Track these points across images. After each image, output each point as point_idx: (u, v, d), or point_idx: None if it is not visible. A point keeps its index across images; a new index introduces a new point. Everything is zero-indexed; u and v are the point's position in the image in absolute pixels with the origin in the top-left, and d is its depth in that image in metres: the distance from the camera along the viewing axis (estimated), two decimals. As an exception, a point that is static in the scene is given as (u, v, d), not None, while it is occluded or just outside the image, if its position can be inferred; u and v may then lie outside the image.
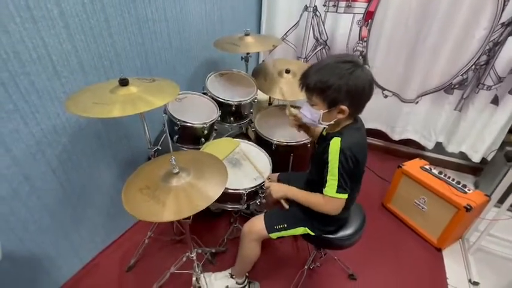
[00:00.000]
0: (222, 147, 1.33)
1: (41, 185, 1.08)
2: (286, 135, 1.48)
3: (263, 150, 1.38)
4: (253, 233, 1.11)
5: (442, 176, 1.58)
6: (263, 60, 2.34)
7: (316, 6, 2.02)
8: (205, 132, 1.34)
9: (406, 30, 1.82)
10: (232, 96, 1.47)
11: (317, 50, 2.20)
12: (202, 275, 1.22)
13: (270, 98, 1.86)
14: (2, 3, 0.82)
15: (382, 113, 2.15)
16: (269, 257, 1.46)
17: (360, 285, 1.39)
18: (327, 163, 0.90)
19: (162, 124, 1.41)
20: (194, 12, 1.58)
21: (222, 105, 1.43)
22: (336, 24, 2.01)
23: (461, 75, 1.83)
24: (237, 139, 1.41)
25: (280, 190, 1.07)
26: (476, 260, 1.52)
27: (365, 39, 1.99)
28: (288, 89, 1.60)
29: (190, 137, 1.34)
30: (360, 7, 1.90)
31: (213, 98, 1.44)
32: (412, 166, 1.67)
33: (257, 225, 1.11)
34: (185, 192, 0.85)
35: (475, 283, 1.41)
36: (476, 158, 1.94)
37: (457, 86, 1.87)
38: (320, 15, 2.05)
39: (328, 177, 0.90)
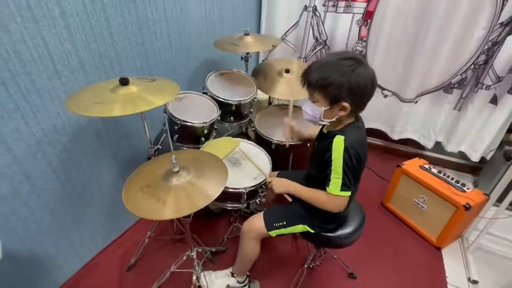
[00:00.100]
0: (222, 147, 1.34)
1: (41, 184, 1.09)
2: (282, 134, 1.48)
3: (263, 149, 1.38)
4: (252, 231, 1.12)
5: (441, 175, 1.58)
6: (263, 60, 2.35)
7: (315, 6, 2.03)
8: (205, 131, 1.35)
9: (405, 30, 1.83)
10: (232, 95, 1.48)
11: (317, 49, 2.21)
12: (202, 273, 1.22)
13: (269, 97, 1.87)
14: (3, 2, 0.82)
15: (381, 113, 2.16)
16: (269, 256, 1.47)
17: (360, 284, 1.40)
18: (330, 161, 0.90)
19: (162, 123, 1.42)
20: (194, 12, 1.58)
21: (222, 104, 1.44)
22: (335, 24, 2.02)
23: (461, 74, 1.83)
24: (237, 138, 1.42)
25: (282, 185, 1.07)
26: (475, 258, 1.53)
27: (364, 39, 2.00)
28: (288, 89, 1.61)
29: (190, 137, 1.34)
30: (359, 7, 1.91)
31: (213, 98, 1.45)
32: (412, 165, 1.68)
33: (256, 223, 1.11)
34: (185, 191, 0.86)
35: (474, 282, 1.42)
36: (475, 158, 1.95)
37: (456, 86, 1.88)
38: (319, 15, 2.05)
39: (331, 176, 0.90)
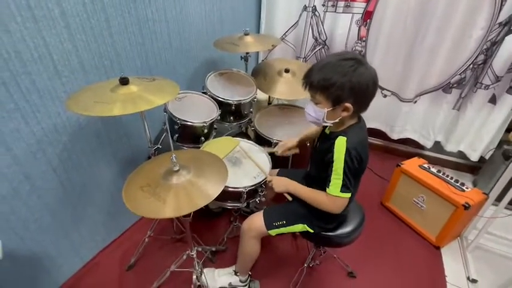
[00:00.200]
0: (222, 146, 1.34)
1: (41, 184, 1.09)
2: (285, 134, 1.48)
3: (263, 149, 1.38)
4: (252, 230, 1.12)
5: (440, 174, 1.59)
6: (262, 60, 2.36)
7: (315, 6, 2.03)
8: (205, 131, 1.35)
9: (404, 30, 1.83)
10: (232, 95, 1.48)
11: (316, 49, 2.21)
12: (204, 270, 1.23)
13: (269, 97, 1.87)
14: (3, 2, 0.82)
15: (381, 113, 2.16)
16: (269, 256, 1.47)
17: (359, 283, 1.40)
18: (331, 162, 0.90)
19: (162, 123, 1.42)
20: (194, 13, 1.58)
21: (221, 104, 1.44)
22: (334, 24, 2.02)
23: (460, 74, 1.84)
24: (237, 138, 1.42)
25: (282, 184, 1.08)
26: (474, 257, 1.53)
27: (364, 39, 2.01)
28: (287, 89, 1.61)
29: (190, 136, 1.34)
30: (359, 7, 1.92)
31: (212, 98, 1.45)
32: (411, 165, 1.68)
33: (256, 222, 1.11)
34: (185, 190, 0.86)
35: (474, 281, 1.42)
36: (474, 157, 1.95)
37: (455, 85, 1.89)
38: (319, 15, 2.06)
39: (332, 177, 0.91)
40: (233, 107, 1.45)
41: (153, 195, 0.83)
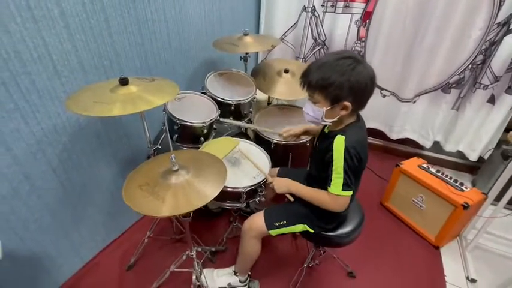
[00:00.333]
0: (222, 147, 1.34)
1: (41, 184, 1.09)
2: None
3: (262, 149, 1.38)
4: (253, 230, 1.12)
5: (439, 174, 1.59)
6: (262, 60, 2.36)
7: (314, 6, 2.04)
8: (205, 131, 1.35)
9: (403, 30, 1.84)
10: (232, 95, 1.48)
11: (315, 50, 2.21)
12: (203, 271, 1.23)
13: (269, 97, 1.87)
14: (3, 3, 0.83)
15: (380, 113, 2.17)
16: (268, 256, 1.47)
17: (359, 283, 1.40)
18: (331, 161, 0.90)
19: (162, 123, 1.42)
20: (193, 13, 1.59)
21: (221, 104, 1.44)
22: (334, 24, 2.03)
23: (458, 74, 1.84)
24: (236, 138, 1.42)
25: (283, 185, 1.07)
26: (473, 257, 1.53)
27: (363, 39, 2.01)
28: (287, 89, 1.61)
29: (189, 136, 1.35)
30: (358, 7, 1.92)
31: (212, 98, 1.45)
32: (410, 165, 1.69)
33: (257, 222, 1.11)
34: (184, 189, 0.86)
35: (473, 280, 1.43)
36: (473, 157, 1.96)
37: (454, 85, 1.89)
38: (318, 15, 2.06)
39: (333, 176, 0.91)
40: (233, 107, 1.46)
41: (152, 194, 0.83)
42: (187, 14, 1.55)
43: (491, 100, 1.79)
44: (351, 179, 0.90)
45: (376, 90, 2.10)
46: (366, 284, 1.40)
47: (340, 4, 1.95)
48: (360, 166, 0.92)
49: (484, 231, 1.48)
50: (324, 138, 1.01)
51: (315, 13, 2.06)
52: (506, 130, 1.82)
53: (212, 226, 1.65)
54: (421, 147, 2.23)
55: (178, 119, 1.27)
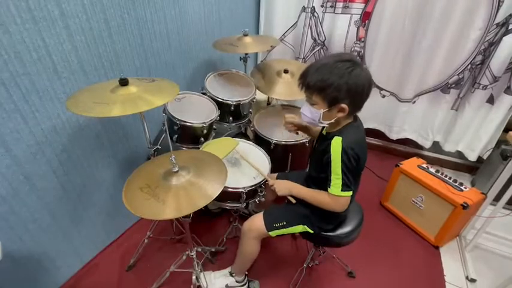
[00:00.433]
0: (222, 147, 1.34)
1: (41, 185, 1.09)
2: (284, 134, 1.49)
3: (262, 149, 1.39)
4: (253, 231, 1.12)
5: (439, 174, 1.59)
6: (261, 61, 2.36)
7: (314, 7, 2.04)
8: (205, 131, 1.35)
9: (402, 30, 1.84)
10: (231, 96, 1.49)
11: (315, 50, 2.22)
12: (202, 273, 1.22)
13: (268, 97, 1.88)
14: (3, 4, 0.83)
15: (379, 113, 2.17)
16: (268, 256, 1.47)
17: (359, 282, 1.40)
18: (329, 162, 0.91)
19: (162, 124, 1.42)
20: (193, 14, 1.59)
21: (221, 105, 1.44)
22: (333, 24, 2.03)
23: (458, 74, 1.85)
24: (236, 138, 1.42)
25: (285, 188, 1.08)
26: (473, 257, 1.54)
27: (362, 39, 2.01)
28: (286, 89, 1.61)
29: (189, 137, 1.35)
30: (357, 8, 1.92)
31: (212, 98, 1.45)
32: (410, 165, 1.69)
33: (257, 223, 1.12)
34: (185, 190, 0.86)
35: (472, 280, 1.43)
36: (472, 157, 1.96)
37: (453, 86, 1.90)
38: (318, 15, 2.06)
39: (332, 177, 0.91)
40: (232, 108, 1.46)
41: (153, 196, 0.83)
42: (187, 15, 1.55)
43: (491, 100, 1.79)
44: (350, 179, 0.91)
45: (376, 91, 2.12)
46: (366, 284, 1.40)
47: (340, 4, 1.95)
48: (358, 166, 0.92)
49: (484, 231, 1.49)
50: (322, 140, 1.02)
51: (315, 13, 2.06)
52: (505, 130, 1.82)
53: (212, 226, 1.65)
54: (421, 147, 2.23)
55: (178, 120, 1.27)
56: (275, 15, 2.19)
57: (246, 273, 1.30)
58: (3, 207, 1.00)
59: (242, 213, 1.63)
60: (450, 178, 1.56)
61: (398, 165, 1.70)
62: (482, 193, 1.48)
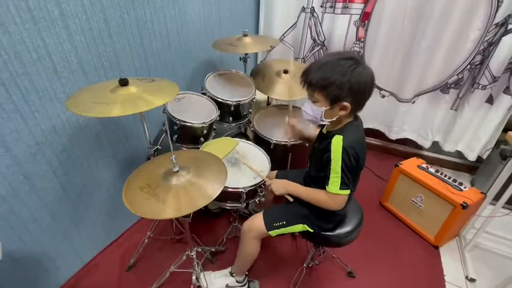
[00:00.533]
0: (221, 147, 1.34)
1: (41, 185, 1.09)
2: (284, 134, 1.49)
3: (262, 149, 1.39)
4: (252, 231, 1.12)
5: (438, 174, 1.60)
6: (261, 61, 2.36)
7: (313, 7, 2.04)
8: (205, 131, 1.35)
9: (402, 30, 1.85)
10: (231, 96, 1.49)
11: (314, 50, 2.22)
12: (202, 273, 1.23)
13: (268, 98, 1.88)
14: (2, 4, 0.83)
15: (379, 113, 2.17)
16: (268, 256, 1.47)
17: (359, 282, 1.40)
18: (329, 161, 0.91)
19: (162, 124, 1.42)
20: (193, 14, 1.59)
21: (220, 105, 1.45)
22: (333, 25, 2.03)
23: (457, 75, 1.85)
24: (236, 138, 1.43)
25: (281, 187, 1.08)
26: (472, 257, 1.54)
27: (362, 39, 2.02)
28: (286, 89, 1.61)
29: (189, 137, 1.35)
30: (357, 8, 1.93)
31: (211, 98, 1.45)
32: (409, 165, 1.69)
33: (256, 222, 1.12)
34: (185, 190, 0.86)
35: (472, 280, 1.43)
36: (472, 157, 1.96)
37: (452, 86, 1.90)
38: (317, 16, 2.07)
39: (331, 175, 0.91)
40: (232, 108, 1.46)
41: (153, 195, 0.83)
42: (187, 15, 1.55)
43: (490, 100, 1.80)
44: (349, 178, 0.91)
45: (375, 91, 2.12)
46: (366, 284, 1.40)
47: (339, 5, 1.96)
48: (357, 165, 0.92)
49: (483, 231, 1.49)
50: (323, 139, 1.02)
51: (314, 14, 2.07)
52: (505, 130, 1.82)
53: (212, 227, 1.65)
54: (420, 147, 2.23)
55: (178, 120, 1.27)
56: (275, 16, 2.20)
57: (247, 273, 1.30)
58: (3, 207, 1.00)
59: (242, 213, 1.63)
60: (450, 178, 1.57)
61: (398, 165, 1.70)
62: (482, 193, 1.48)
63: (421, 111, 2.07)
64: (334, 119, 0.92)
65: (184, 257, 1.24)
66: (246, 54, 1.73)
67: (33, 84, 0.96)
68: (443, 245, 1.61)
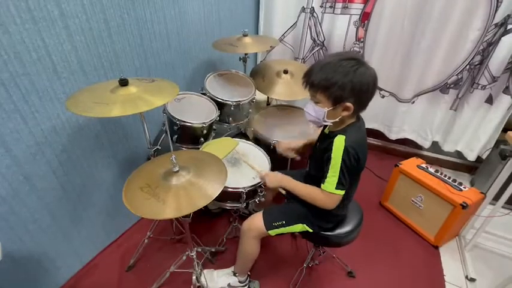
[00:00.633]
0: (221, 147, 1.34)
1: (41, 185, 1.09)
2: (284, 134, 1.49)
3: (262, 149, 1.39)
4: (252, 230, 1.12)
5: (438, 174, 1.60)
6: (261, 61, 2.36)
7: (313, 7, 2.05)
8: (205, 132, 1.35)
9: (401, 30, 1.85)
10: (231, 96, 1.49)
11: (314, 50, 2.22)
12: (203, 271, 1.23)
13: (268, 98, 1.88)
14: (2, 4, 0.83)
15: (379, 113, 2.18)
16: (268, 256, 1.47)
17: (359, 282, 1.41)
18: (329, 159, 0.91)
19: (162, 124, 1.42)
20: (193, 14, 1.59)
21: (220, 105, 1.45)
22: (332, 25, 2.04)
23: (456, 75, 1.85)
24: (236, 139, 1.43)
25: (275, 180, 1.08)
26: (472, 256, 1.54)
27: (362, 39, 2.02)
28: (286, 89, 1.62)
29: (189, 137, 1.35)
30: (357, 8, 1.93)
31: (211, 98, 1.46)
32: (409, 165, 1.69)
33: (256, 222, 1.12)
34: (185, 190, 0.86)
35: (472, 279, 1.43)
36: (471, 157, 1.97)
37: (452, 86, 1.90)
38: (317, 16, 2.07)
39: (328, 173, 0.91)
40: (232, 108, 1.46)
41: (153, 195, 0.83)
42: (187, 15, 1.55)
43: (489, 100, 1.80)
44: (346, 178, 0.91)
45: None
46: (366, 284, 1.40)
47: (339, 5, 1.96)
48: (358, 166, 0.92)
49: (483, 231, 1.49)
50: (325, 139, 1.02)
51: (314, 14, 2.07)
52: (504, 130, 1.83)
53: (212, 226, 1.65)
54: (420, 147, 2.24)
55: (178, 120, 1.27)
56: (275, 16, 2.20)
57: (249, 273, 1.30)
58: (3, 208, 1.00)
59: (242, 213, 1.63)
60: (449, 178, 1.57)
61: (398, 165, 1.70)
62: (482, 193, 1.48)
63: (421, 111, 2.07)
64: (336, 119, 0.92)
65: (184, 257, 1.24)
66: (245, 54, 1.73)
67: (33, 84, 0.96)
68: (443, 245, 1.61)
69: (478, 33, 1.68)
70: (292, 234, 1.48)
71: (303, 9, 2.08)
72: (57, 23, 0.97)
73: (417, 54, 1.84)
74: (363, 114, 0.97)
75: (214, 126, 1.44)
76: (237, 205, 1.22)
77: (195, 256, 1.16)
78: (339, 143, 0.89)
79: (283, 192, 1.09)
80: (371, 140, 2.41)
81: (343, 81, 0.84)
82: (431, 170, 1.64)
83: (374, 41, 1.96)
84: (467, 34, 1.70)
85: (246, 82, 1.64)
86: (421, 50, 1.82)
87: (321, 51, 2.20)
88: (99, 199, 1.37)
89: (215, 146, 1.33)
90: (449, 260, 1.54)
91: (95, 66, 1.15)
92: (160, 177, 0.90)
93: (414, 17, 1.78)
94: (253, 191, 1.21)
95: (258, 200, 1.24)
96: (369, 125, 2.24)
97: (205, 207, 1.10)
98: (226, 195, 1.17)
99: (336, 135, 0.91)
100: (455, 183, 1.53)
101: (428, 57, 1.84)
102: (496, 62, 1.65)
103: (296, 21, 2.17)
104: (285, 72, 1.66)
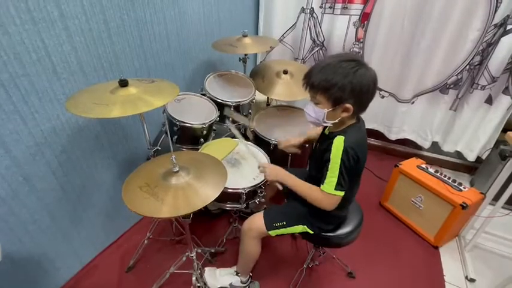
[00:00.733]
0: (221, 148, 1.34)
1: (40, 186, 1.09)
2: (284, 135, 1.49)
3: (262, 150, 1.39)
4: (252, 230, 1.12)
5: (438, 174, 1.60)
6: (261, 61, 2.36)
7: (313, 8, 2.05)
8: (204, 132, 1.35)
9: (401, 31, 1.85)
10: (231, 96, 1.49)
11: (314, 51, 2.22)
12: (205, 268, 1.23)
13: (268, 98, 1.88)
14: (2, 4, 0.83)
15: (379, 113, 2.18)
16: (268, 257, 1.47)
17: (359, 283, 1.40)
18: (328, 160, 0.91)
19: (162, 124, 1.42)
20: (192, 14, 1.59)
21: (220, 105, 1.45)
22: (332, 25, 2.04)
23: (456, 75, 1.85)
24: (236, 139, 1.43)
25: (275, 174, 1.06)
26: (472, 257, 1.54)
27: (361, 40, 2.02)
28: (286, 90, 1.62)
29: (189, 138, 1.35)
30: (356, 8, 1.93)
31: (211, 99, 1.46)
32: (409, 165, 1.69)
33: (256, 222, 1.12)
34: (184, 190, 0.86)
35: (472, 280, 1.43)
36: (471, 157, 1.97)
37: (452, 86, 1.90)
38: (317, 16, 2.07)
39: (328, 174, 0.91)
40: (232, 108, 1.46)
41: (152, 195, 0.83)
42: (186, 16, 1.55)
43: (489, 100, 1.80)
44: (345, 179, 0.91)
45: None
46: (366, 284, 1.40)
47: (339, 5, 1.96)
48: (357, 167, 0.92)
49: (483, 231, 1.49)
50: (324, 140, 1.02)
51: (314, 14, 2.07)
52: (504, 130, 1.83)
53: (212, 227, 1.65)
54: (420, 147, 2.24)
55: (178, 120, 1.27)
56: (274, 16, 2.20)
57: (251, 274, 1.30)
58: (3, 209, 0.99)
59: (242, 214, 1.63)
60: (449, 178, 1.57)
61: (398, 166, 1.70)
62: (481, 193, 1.48)
63: (421, 111, 2.07)
64: (336, 120, 0.92)
65: (184, 258, 1.24)
66: (245, 54, 1.73)
67: (33, 85, 0.96)
68: (443, 245, 1.61)
69: (477, 34, 1.68)
70: (292, 234, 1.48)
71: (303, 10, 2.09)
72: (56, 23, 0.97)
73: (417, 55, 1.84)
74: (363, 115, 0.97)
75: (214, 127, 1.44)
76: (237, 206, 1.22)
77: (195, 257, 1.16)
78: (338, 144, 0.89)
79: (280, 187, 1.08)
80: (371, 141, 2.41)
81: (343, 83, 0.84)
82: (431, 170, 1.64)
83: (374, 42, 1.96)
84: (467, 34, 1.70)
85: (245, 83, 1.64)
86: (421, 50, 1.82)
87: (320, 51, 2.20)
88: (98, 200, 1.37)
89: (215, 147, 1.33)
90: (449, 260, 1.54)
91: (94, 67, 1.15)
92: (159, 177, 0.90)
93: (414, 17, 1.78)
94: (253, 192, 1.21)
95: (258, 201, 1.24)
96: (368, 125, 2.23)
97: (205, 207, 1.10)
98: (226, 196, 1.17)
99: (335, 136, 0.91)
100: (455, 184, 1.53)
101: (428, 57, 1.84)
102: (495, 62, 1.65)
103: (296, 22, 2.17)
104: (285, 72, 1.66)
